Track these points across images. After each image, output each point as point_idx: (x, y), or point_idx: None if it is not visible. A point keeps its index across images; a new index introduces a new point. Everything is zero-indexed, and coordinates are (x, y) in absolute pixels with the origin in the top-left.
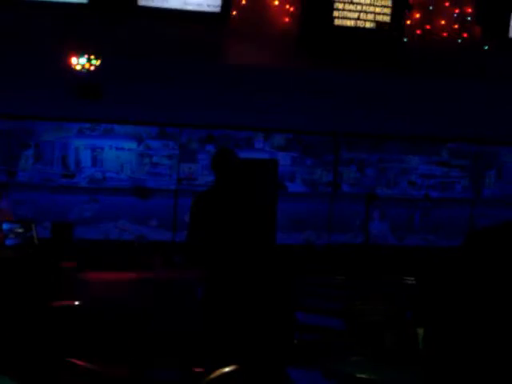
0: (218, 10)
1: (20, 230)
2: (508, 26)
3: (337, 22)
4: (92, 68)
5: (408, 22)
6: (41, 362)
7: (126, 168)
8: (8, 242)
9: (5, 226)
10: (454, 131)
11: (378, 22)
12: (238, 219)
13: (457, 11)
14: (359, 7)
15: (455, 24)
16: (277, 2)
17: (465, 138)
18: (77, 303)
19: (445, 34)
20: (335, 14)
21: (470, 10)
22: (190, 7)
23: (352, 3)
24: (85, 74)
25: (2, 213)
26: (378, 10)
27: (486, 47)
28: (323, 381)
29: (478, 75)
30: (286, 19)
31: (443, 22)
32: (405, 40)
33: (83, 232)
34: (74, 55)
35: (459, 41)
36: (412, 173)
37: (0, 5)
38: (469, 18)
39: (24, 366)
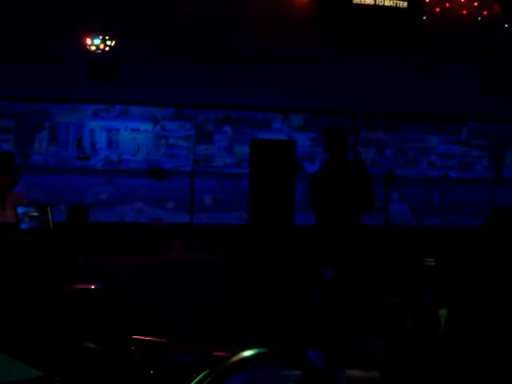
0: None
1: (35, 214)
2: None
3: (356, 0)
4: (107, 49)
5: (427, 0)
6: (55, 346)
7: (142, 150)
8: (23, 226)
9: (20, 210)
10: (473, 110)
11: (397, 0)
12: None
13: None
14: None
15: (475, 1)
16: None
17: (485, 117)
18: (93, 287)
19: (464, 12)
20: None
21: None
22: None
23: None
24: (99, 54)
25: (17, 196)
26: None
27: (506, 25)
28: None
29: (497, 53)
30: None
31: (463, 0)
32: (424, 18)
33: (99, 215)
34: (88, 36)
35: (479, 18)
36: (431, 153)
37: None
38: None
39: (37, 350)
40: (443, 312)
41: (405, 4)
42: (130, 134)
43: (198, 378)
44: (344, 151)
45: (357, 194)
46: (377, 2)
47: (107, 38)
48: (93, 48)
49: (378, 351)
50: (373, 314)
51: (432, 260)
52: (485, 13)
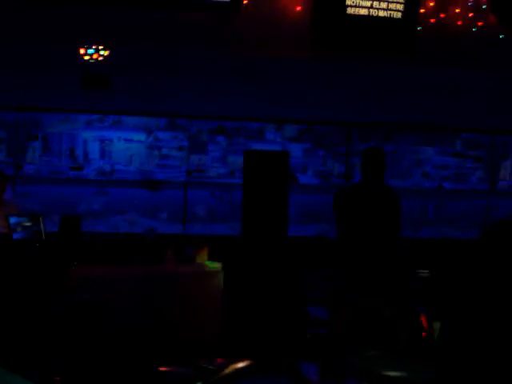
0: None
1: (28, 224)
2: None
3: (349, 10)
4: (100, 58)
5: (422, 11)
6: (48, 358)
7: (135, 160)
8: (15, 236)
9: (12, 220)
10: (468, 121)
11: (391, 11)
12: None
13: None
14: None
15: (470, 12)
16: None
17: (479, 128)
18: (85, 298)
19: (459, 23)
20: (348, 2)
21: None
22: None
23: None
24: (93, 64)
25: (8, 206)
26: None
27: (502, 36)
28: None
29: (493, 64)
30: (298, 8)
31: (458, 11)
32: (419, 29)
33: (92, 225)
34: (82, 46)
35: (474, 29)
36: (426, 164)
37: None
38: (484, 7)
39: (29, 361)
40: (437, 324)
41: (399, 14)
42: (123, 145)
43: None
44: (382, 172)
45: (387, 220)
46: (371, 13)
47: (101, 47)
48: (86, 58)
49: (372, 363)
50: (365, 325)
51: (426, 271)
52: (480, 24)
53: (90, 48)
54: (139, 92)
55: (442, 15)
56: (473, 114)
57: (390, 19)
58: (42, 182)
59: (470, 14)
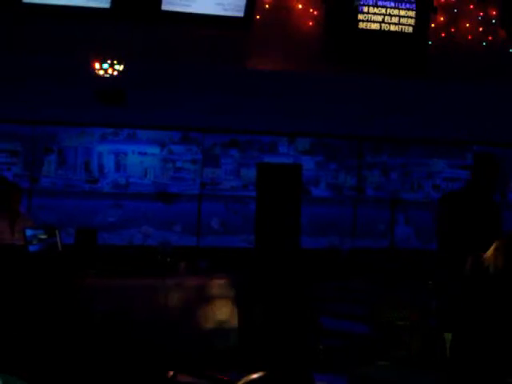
0: (241, 14)
1: (44, 236)
2: None
3: (361, 25)
4: (115, 73)
5: (432, 25)
6: (61, 368)
7: (150, 173)
8: (32, 248)
9: (28, 233)
10: (478, 134)
11: (402, 25)
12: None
13: (481, 14)
14: (383, 10)
15: (480, 27)
16: (300, 6)
17: (489, 141)
18: (100, 308)
19: (469, 37)
20: (360, 17)
21: (494, 13)
22: (212, 11)
23: (376, 6)
24: (108, 78)
25: (22, 218)
26: (402, 12)
27: (511, 50)
28: None
29: (503, 78)
30: (310, 23)
31: (468, 25)
32: (429, 43)
33: (107, 238)
34: (97, 60)
35: (484, 44)
36: (436, 176)
37: (24, 10)
38: (493, 21)
39: (42, 371)
40: (448, 336)
41: (410, 29)
42: (138, 158)
43: None
44: (494, 180)
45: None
46: (382, 28)
47: (115, 62)
48: (101, 72)
49: (385, 374)
50: (379, 337)
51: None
52: (490, 38)
53: (105, 62)
54: (153, 106)
55: (452, 30)
56: (483, 128)
57: (401, 33)
58: (58, 194)
59: (480, 29)
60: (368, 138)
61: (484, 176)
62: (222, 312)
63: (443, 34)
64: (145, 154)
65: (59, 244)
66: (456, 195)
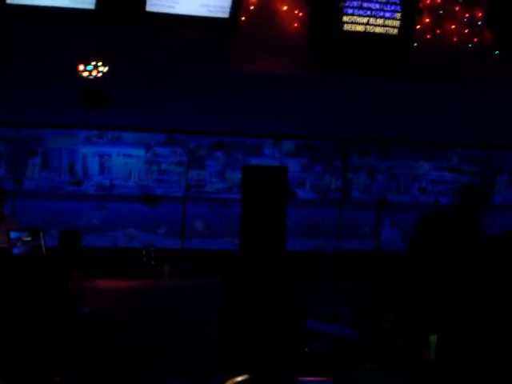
0: (226, 15)
1: (28, 239)
2: None
3: (346, 27)
4: (99, 75)
5: (418, 27)
6: (48, 369)
7: (134, 175)
8: (16, 251)
9: (12, 235)
10: (464, 136)
11: (387, 27)
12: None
13: (467, 16)
14: (368, 12)
15: (466, 28)
16: (286, 8)
17: (475, 143)
18: (85, 311)
19: (455, 39)
20: (344, 18)
21: (480, 15)
22: (197, 13)
23: (361, 8)
24: (92, 80)
25: (6, 221)
26: (387, 14)
27: (497, 52)
28: None
29: (488, 80)
30: (295, 24)
31: (453, 27)
32: (415, 45)
33: (91, 240)
34: (81, 62)
35: (470, 45)
36: (422, 179)
37: (8, 11)
38: (479, 23)
39: (31, 375)
40: (433, 338)
41: (395, 31)
42: (122, 160)
43: None
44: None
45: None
46: (367, 30)
47: (100, 64)
48: (85, 74)
49: (370, 377)
50: (364, 339)
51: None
52: (475, 40)
53: (89, 64)
54: (138, 108)
55: (437, 31)
56: (469, 129)
57: (386, 35)
58: (42, 197)
59: (466, 31)
60: (353, 140)
61: (472, 208)
62: (207, 314)
63: (428, 36)
64: (129, 156)
65: (43, 246)
66: (440, 221)
